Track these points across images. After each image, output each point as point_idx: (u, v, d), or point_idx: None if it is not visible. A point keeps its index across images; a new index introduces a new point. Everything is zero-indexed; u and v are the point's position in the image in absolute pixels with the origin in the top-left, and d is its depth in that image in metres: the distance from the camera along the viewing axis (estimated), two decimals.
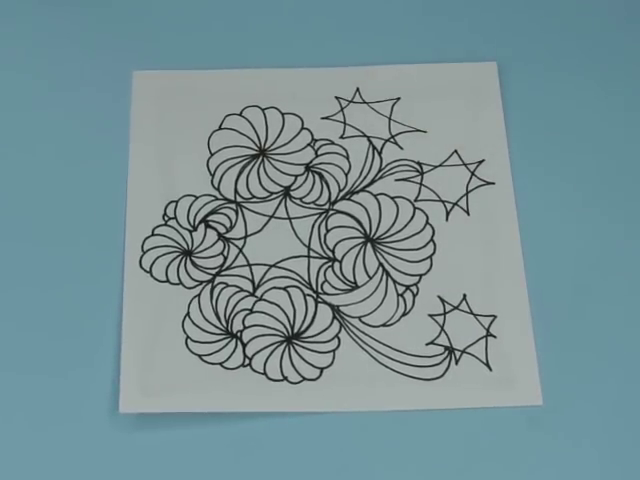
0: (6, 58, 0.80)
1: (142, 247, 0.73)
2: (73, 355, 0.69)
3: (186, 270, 0.72)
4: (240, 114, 0.78)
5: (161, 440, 0.67)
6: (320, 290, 0.71)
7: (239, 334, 0.70)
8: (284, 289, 0.71)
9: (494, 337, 0.70)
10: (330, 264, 0.72)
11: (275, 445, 0.67)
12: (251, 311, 0.71)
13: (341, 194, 0.75)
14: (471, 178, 0.75)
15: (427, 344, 0.70)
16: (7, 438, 0.67)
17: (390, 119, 0.77)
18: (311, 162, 0.76)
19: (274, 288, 0.72)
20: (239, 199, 0.75)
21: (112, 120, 0.77)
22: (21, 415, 0.68)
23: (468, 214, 0.74)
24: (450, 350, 0.69)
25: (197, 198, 0.75)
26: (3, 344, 0.69)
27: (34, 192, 0.74)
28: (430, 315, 0.71)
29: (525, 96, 0.77)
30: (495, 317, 0.70)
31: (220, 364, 0.69)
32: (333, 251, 0.73)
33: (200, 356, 0.69)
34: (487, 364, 0.69)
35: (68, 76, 0.79)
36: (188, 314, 0.71)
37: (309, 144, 0.76)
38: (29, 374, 0.68)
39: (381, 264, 0.72)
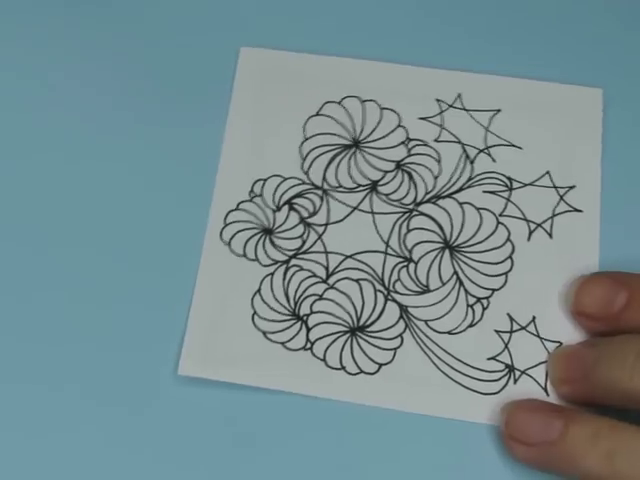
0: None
1: (225, 219, 0.74)
2: (142, 313, 0.71)
3: (264, 248, 0.73)
4: (339, 102, 0.78)
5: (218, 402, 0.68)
6: (392, 288, 0.72)
7: (305, 318, 0.71)
8: (356, 281, 0.72)
9: None
10: (405, 264, 0.72)
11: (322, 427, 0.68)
12: (320, 297, 0.71)
13: (427, 197, 0.74)
14: (559, 202, 0.74)
15: (488, 359, 0.70)
16: (64, 400, 0.68)
17: (487, 130, 0.76)
18: (402, 160, 0.76)
19: (346, 279, 0.72)
20: (326, 186, 0.75)
21: (214, 93, 0.77)
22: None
23: (551, 237, 0.73)
24: (510, 369, 0.69)
25: (285, 179, 0.75)
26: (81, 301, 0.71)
27: (136, 154, 0.76)
28: (496, 331, 0.70)
29: (627, 128, 0.76)
30: (561, 344, 0.70)
31: (282, 344, 0.70)
32: (410, 251, 0.73)
33: (264, 333, 0.70)
34: (545, 389, 0.69)
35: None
36: (259, 290, 0.72)
37: (403, 142, 0.76)
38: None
39: (456, 272, 0.72)
